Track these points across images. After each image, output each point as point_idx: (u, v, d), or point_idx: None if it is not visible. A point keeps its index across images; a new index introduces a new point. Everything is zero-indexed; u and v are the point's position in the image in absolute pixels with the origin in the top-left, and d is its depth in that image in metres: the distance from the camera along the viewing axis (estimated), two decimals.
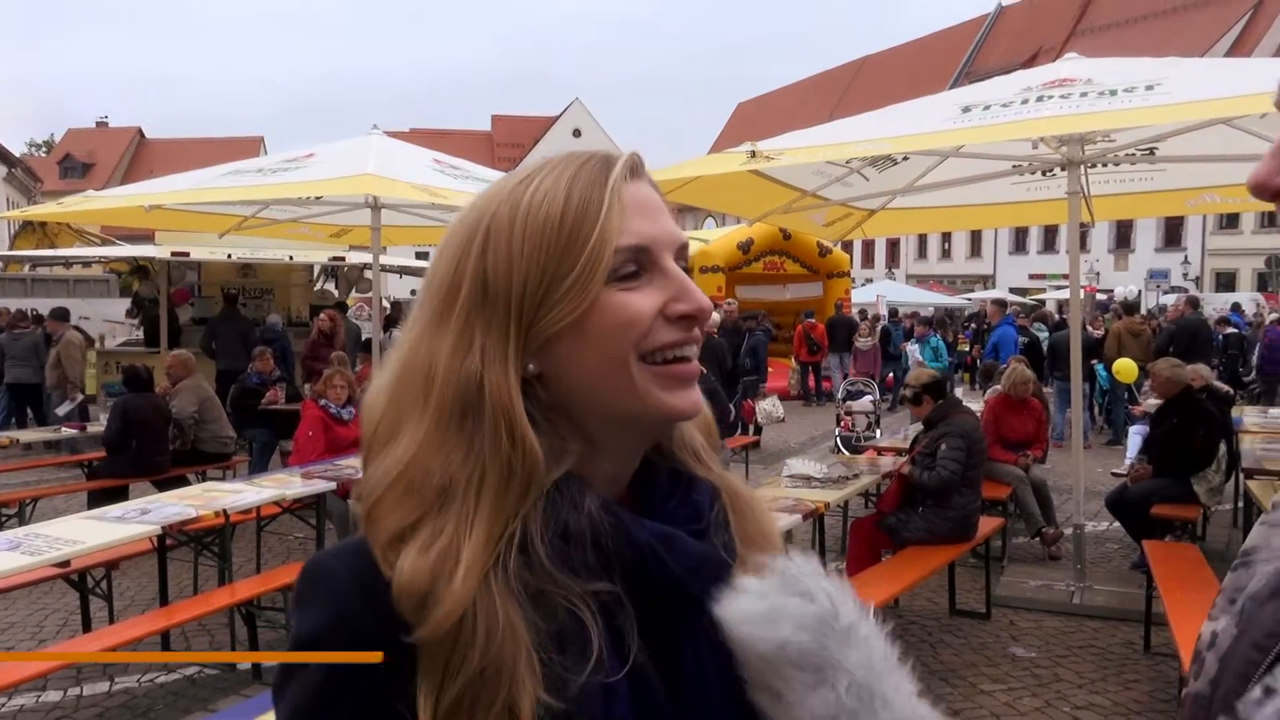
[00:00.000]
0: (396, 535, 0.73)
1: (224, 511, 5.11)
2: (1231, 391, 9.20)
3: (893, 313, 20.83)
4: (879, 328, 17.55)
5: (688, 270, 0.81)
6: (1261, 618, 0.60)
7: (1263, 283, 34.37)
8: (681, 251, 0.81)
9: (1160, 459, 6.65)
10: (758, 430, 12.08)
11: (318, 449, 6.59)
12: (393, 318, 15.66)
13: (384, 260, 8.68)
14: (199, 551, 5.65)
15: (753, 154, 4.64)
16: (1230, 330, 16.22)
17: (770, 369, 15.41)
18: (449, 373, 0.76)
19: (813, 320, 17.04)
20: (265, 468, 8.53)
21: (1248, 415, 8.93)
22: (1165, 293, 29.57)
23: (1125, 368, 10.87)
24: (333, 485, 5.85)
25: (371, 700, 0.73)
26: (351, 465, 6.12)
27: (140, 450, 7.46)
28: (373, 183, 6.40)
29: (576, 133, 66.60)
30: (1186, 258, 37.31)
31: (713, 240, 18.21)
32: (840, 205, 6.85)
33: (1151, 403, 7.67)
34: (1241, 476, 6.89)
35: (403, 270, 17.08)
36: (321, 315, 11.89)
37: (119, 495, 7.06)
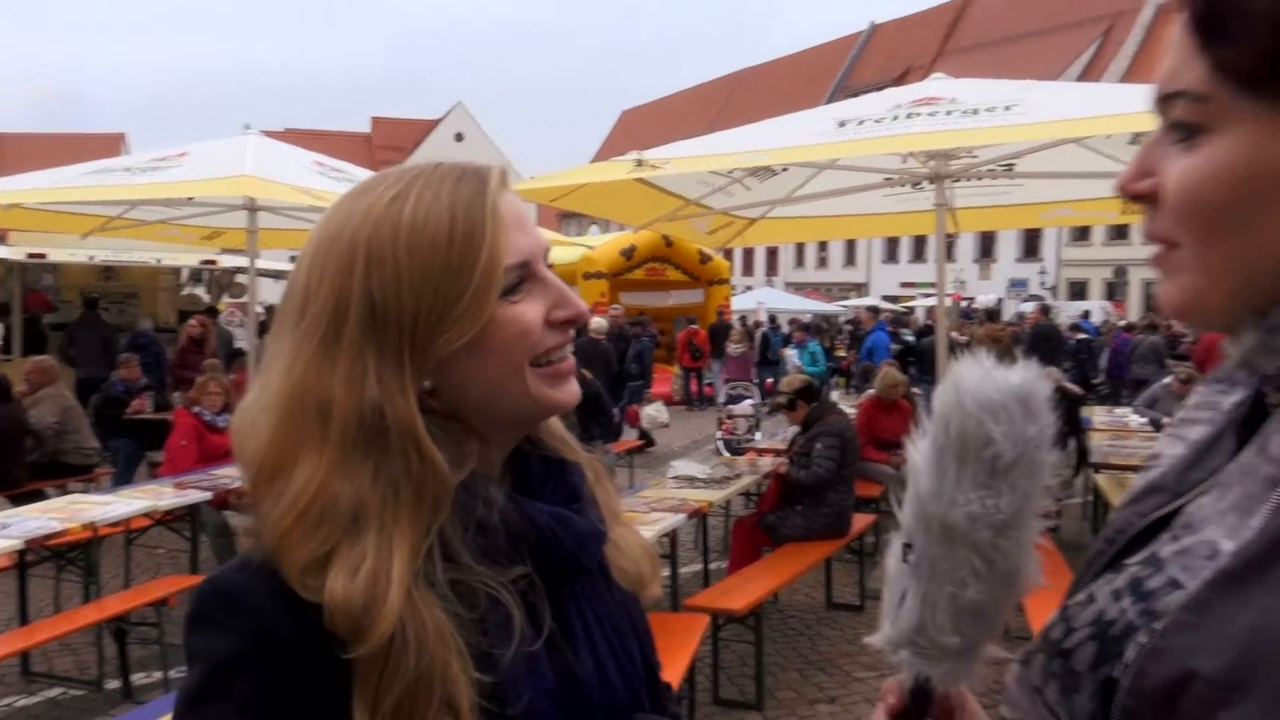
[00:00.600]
0: (313, 563, 0.74)
1: (92, 524, 4.89)
2: (1082, 392, 9.83)
3: (772, 319, 21.38)
4: (759, 334, 18.00)
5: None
6: (1115, 519, 0.75)
7: (1111, 291, 36.77)
8: (547, 256, 0.87)
9: None
10: (643, 435, 12.22)
11: (191, 458, 6.37)
12: (266, 324, 15.19)
13: (260, 264, 8.40)
14: (62, 567, 5.38)
15: (639, 163, 4.75)
16: (1081, 336, 17.31)
17: (654, 375, 15.63)
18: (347, 402, 0.76)
19: (695, 326, 17.36)
20: (131, 480, 8.16)
21: (1096, 415, 9.57)
22: (1024, 301, 31.26)
23: None
24: (208, 495, 5.67)
25: (313, 716, 0.74)
26: (227, 475, 5.93)
27: None
28: (251, 184, 6.23)
29: (459, 137, 65.91)
30: (1043, 268, 39.53)
31: (596, 247, 18.31)
32: (722, 214, 7.02)
33: None
34: (1091, 471, 7.38)
35: (279, 274, 16.57)
36: (191, 321, 11.45)
37: None
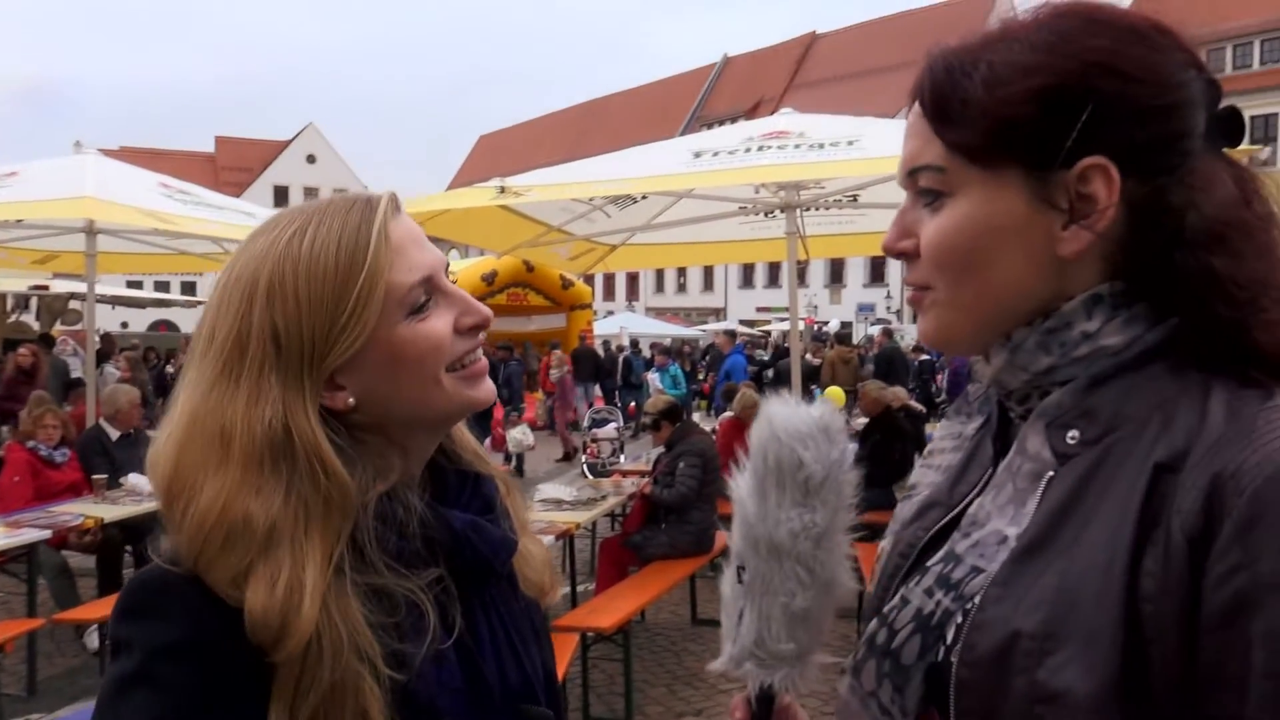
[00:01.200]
0: (233, 579, 0.79)
1: None
2: (924, 410, 10.42)
3: (633, 344, 21.65)
4: (621, 358, 18.20)
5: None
6: (904, 536, 0.90)
7: None
8: (447, 270, 0.95)
9: (868, 472, 7.42)
10: (508, 458, 12.18)
11: (26, 496, 5.97)
12: (104, 352, 14.35)
13: (98, 289, 7.97)
14: None
15: (502, 189, 4.82)
16: (924, 357, 18.28)
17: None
18: (250, 424, 0.82)
19: (558, 352, 17.41)
20: None
21: (938, 431, 10.15)
22: (872, 324, 32.73)
23: (834, 394, 12.06)
24: (46, 534, 5.34)
25: (237, 715, 0.78)
26: (67, 512, 5.61)
27: None
28: (93, 206, 5.94)
29: (311, 158, 63.98)
30: (889, 293, 41.51)
31: (457, 272, 18.15)
32: (584, 240, 7.16)
33: (859, 422, 8.55)
34: None
35: (116, 300, 15.71)
36: (21, 350, 10.73)
37: None
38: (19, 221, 7.11)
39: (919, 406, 9.96)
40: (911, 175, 0.82)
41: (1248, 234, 0.75)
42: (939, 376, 17.74)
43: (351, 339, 0.85)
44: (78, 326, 14.34)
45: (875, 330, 24.51)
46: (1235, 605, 0.64)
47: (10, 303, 15.13)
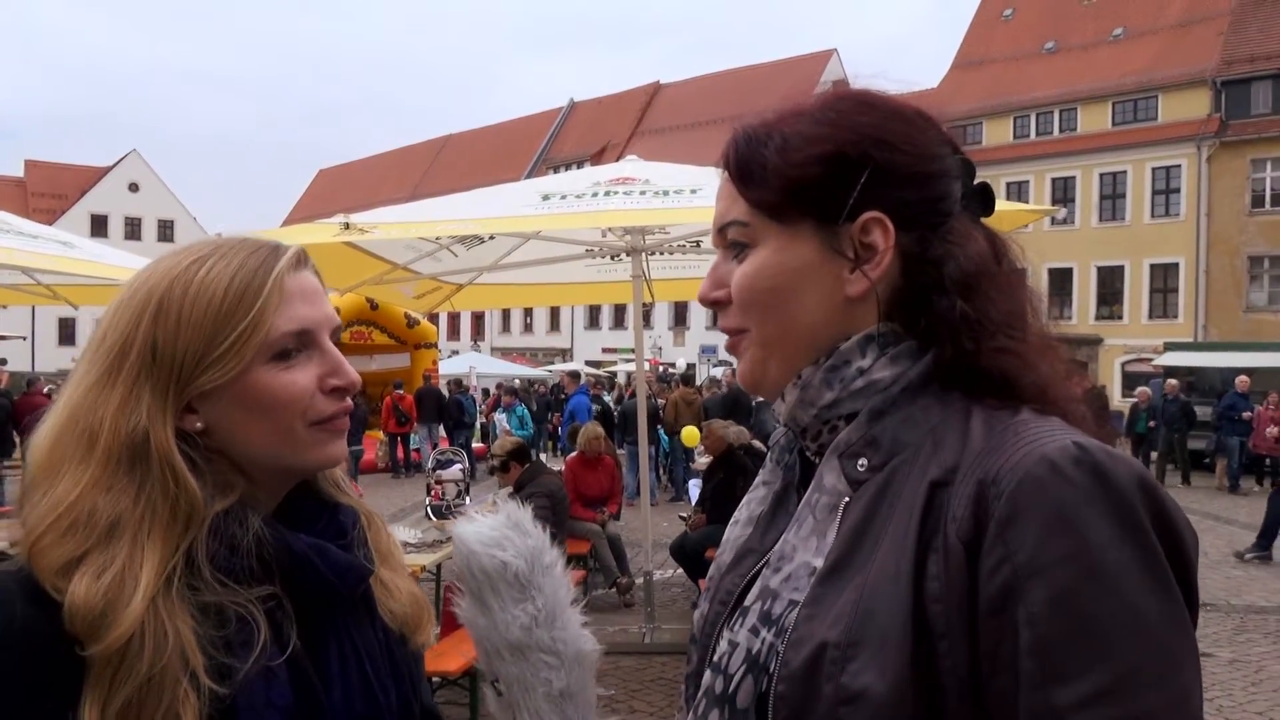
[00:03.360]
0: (63, 566, 0.82)
1: None
2: (765, 449, 10.77)
3: (458, 383, 21.12)
4: (450, 398, 17.87)
5: (340, 346, 1.00)
6: (723, 586, 0.97)
7: None
8: (336, 331, 0.99)
9: (712, 509, 7.65)
10: None
11: None
12: None
13: None
14: None
15: (346, 226, 4.74)
16: (760, 398, 18.91)
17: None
18: (116, 426, 0.87)
19: (401, 391, 17.02)
20: None
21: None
22: (714, 365, 33.57)
23: (689, 434, 12.30)
24: None
25: (40, 709, 0.80)
26: None
27: None
28: None
29: (134, 186, 60.40)
30: None
31: None
32: (430, 279, 7.10)
33: (704, 460, 8.76)
34: None
35: None
36: None
37: None
38: None
39: (761, 445, 10.27)
40: (721, 231, 0.93)
41: (994, 282, 0.89)
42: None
43: (223, 371, 0.89)
44: None
45: (718, 371, 25.19)
46: (1003, 594, 0.73)
47: None
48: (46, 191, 58.51)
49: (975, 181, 0.93)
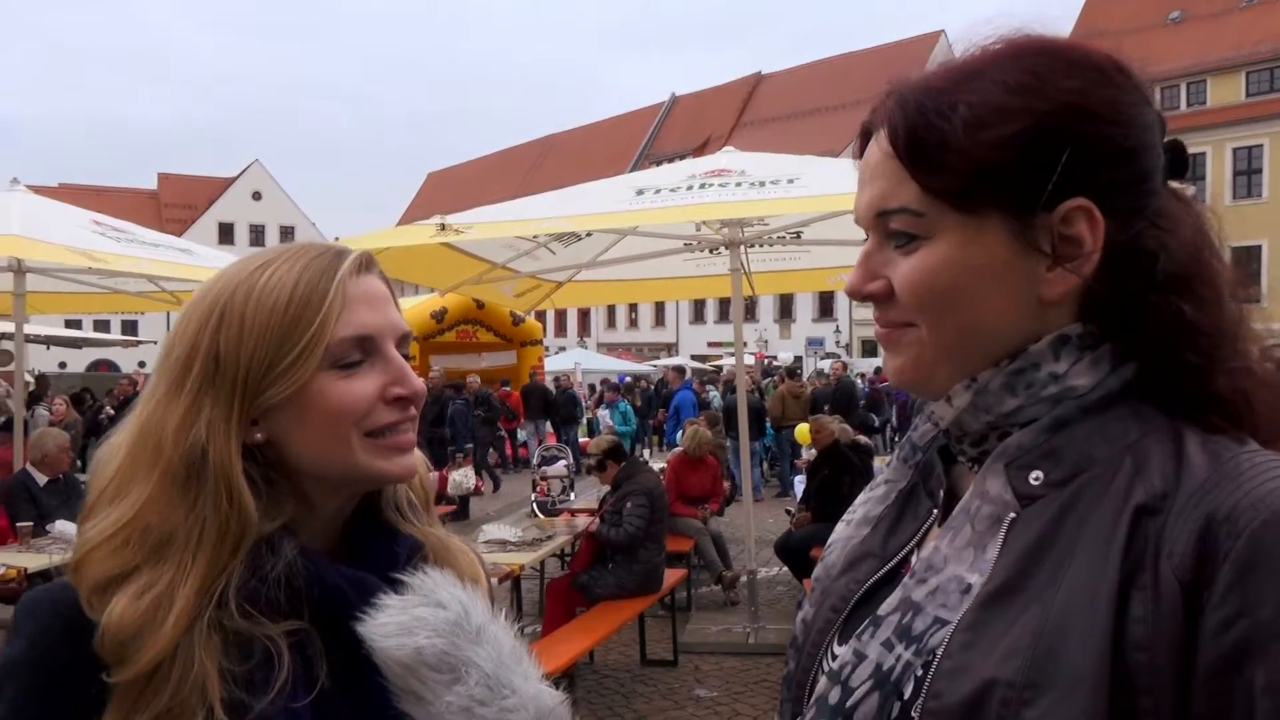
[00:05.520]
0: (105, 582, 0.80)
1: None
2: (873, 444, 10.49)
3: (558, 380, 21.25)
4: (563, 395, 18.03)
5: (408, 356, 0.94)
6: (835, 589, 0.86)
7: None
8: (403, 340, 0.93)
9: (817, 506, 7.47)
10: (450, 500, 12.00)
11: None
12: (37, 394, 13.93)
13: (30, 329, 7.73)
14: None
15: (442, 227, 4.78)
16: (885, 382, 18.48)
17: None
18: (177, 439, 0.84)
19: (508, 388, 17.27)
20: None
21: (886, 464, 10.22)
22: (822, 358, 33.03)
23: (803, 432, 12.10)
24: None
25: None
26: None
27: None
28: (17, 245, 5.76)
29: (257, 195, 63.27)
30: (838, 327, 42.01)
31: (406, 309, 17.96)
32: (529, 277, 7.14)
33: (809, 453, 8.59)
34: None
35: (51, 340, 15.29)
36: None
37: None
38: None
39: (866, 440, 10.01)
40: (881, 217, 0.79)
41: (1210, 280, 0.76)
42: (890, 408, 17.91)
43: (290, 382, 0.85)
44: (9, 368, 13.91)
45: (825, 364, 24.75)
46: (1236, 653, 0.62)
47: None
48: (177, 202, 61.80)
49: (1164, 139, 0.79)
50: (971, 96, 0.75)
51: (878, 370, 24.21)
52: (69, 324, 22.12)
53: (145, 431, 0.86)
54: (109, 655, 0.78)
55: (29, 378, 12.77)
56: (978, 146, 0.73)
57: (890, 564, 0.83)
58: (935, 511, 0.84)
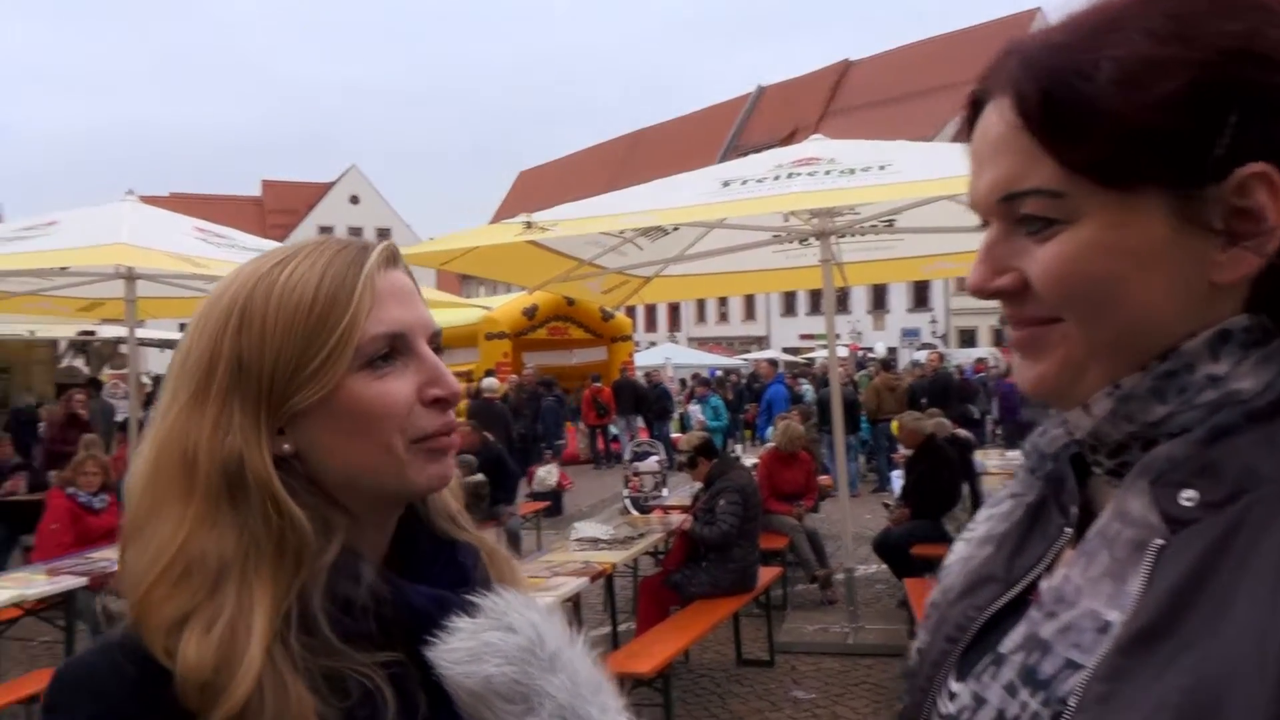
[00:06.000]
0: (176, 622, 0.72)
1: None
2: (973, 438, 10.14)
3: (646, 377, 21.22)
4: (656, 391, 18.03)
5: (439, 353, 0.86)
6: (951, 616, 0.75)
7: (998, 338, 38.32)
8: (435, 337, 0.86)
9: (915, 503, 7.26)
10: (541, 496, 12.10)
11: (65, 542, 6.00)
12: (153, 395, 14.56)
13: (142, 334, 8.07)
14: None
15: (528, 225, 4.77)
16: (986, 369, 17.99)
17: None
18: (211, 452, 0.76)
19: (599, 384, 17.35)
20: (3, 566, 7.65)
21: (990, 459, 9.87)
22: (917, 349, 32.29)
23: (897, 428, 11.83)
24: (83, 581, 5.33)
25: None
26: (106, 558, 5.61)
27: None
28: (126, 252, 6.00)
29: (354, 199, 65.12)
30: (934, 317, 41.00)
31: (497, 307, 18.23)
32: (616, 273, 7.10)
33: (906, 451, 8.36)
34: None
35: (164, 344, 15.97)
36: (72, 394, 10.92)
37: None
38: (63, 270, 7.22)
39: (967, 434, 9.70)
40: (1008, 201, 0.67)
41: None
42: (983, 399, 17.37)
43: (318, 386, 0.78)
44: (125, 370, 14.60)
45: (921, 355, 24.16)
46: None
47: (62, 347, 15.47)
48: (279, 208, 64.05)
49: None
50: (1116, 51, 0.62)
51: (980, 360, 23.54)
52: (183, 328, 23.10)
53: (171, 444, 0.79)
54: (194, 703, 0.70)
55: (145, 379, 13.36)
56: (1130, 110, 0.61)
57: (1015, 590, 0.72)
58: (1068, 531, 0.72)
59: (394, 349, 0.81)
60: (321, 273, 0.80)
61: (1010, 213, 0.67)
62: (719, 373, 22.92)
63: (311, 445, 0.80)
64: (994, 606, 0.73)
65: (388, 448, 0.80)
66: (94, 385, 13.67)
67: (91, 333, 13.42)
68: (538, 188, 67.02)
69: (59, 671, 0.76)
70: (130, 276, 7.09)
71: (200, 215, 8.25)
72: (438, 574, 0.85)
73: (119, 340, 13.80)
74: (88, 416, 10.65)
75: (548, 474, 12.31)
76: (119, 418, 12.93)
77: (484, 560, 0.91)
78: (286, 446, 0.79)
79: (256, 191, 67.84)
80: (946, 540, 7.05)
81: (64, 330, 13.26)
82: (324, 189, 66.29)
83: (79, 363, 16.52)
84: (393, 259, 0.85)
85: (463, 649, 0.77)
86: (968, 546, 0.81)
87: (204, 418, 0.78)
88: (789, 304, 47.16)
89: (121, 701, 0.71)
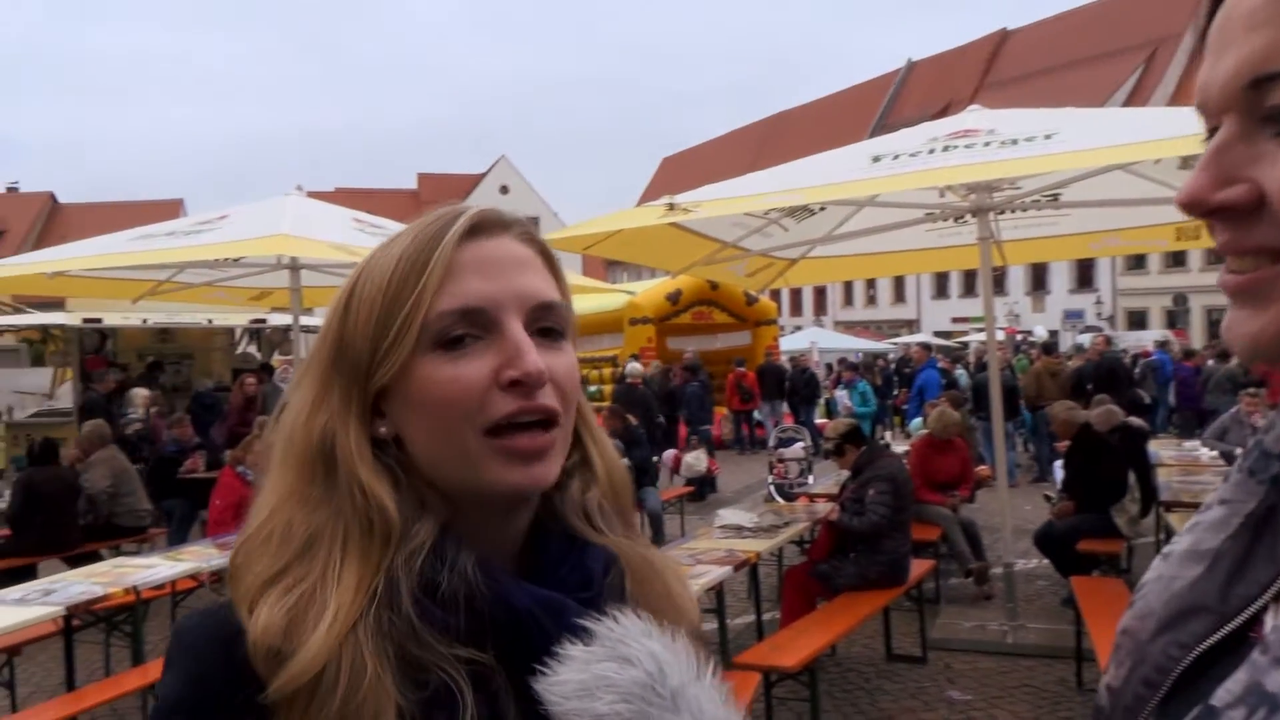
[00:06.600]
0: (259, 587, 0.72)
1: (135, 589, 4.88)
2: (1146, 426, 9.47)
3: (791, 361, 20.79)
4: (804, 376, 17.72)
5: (556, 331, 0.79)
6: (1151, 653, 0.62)
7: (1172, 320, 35.83)
8: (539, 311, 0.78)
9: (1078, 495, 6.82)
10: (690, 482, 12.06)
11: (231, 518, 6.37)
12: None
13: (308, 321, 8.52)
14: (109, 632, 5.38)
15: (670, 207, 4.69)
16: (1157, 351, 16.87)
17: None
18: (308, 429, 0.77)
19: (743, 369, 17.20)
20: (185, 539, 8.21)
21: (1164, 450, 9.19)
22: (1081, 332, 30.55)
23: None
24: None
25: None
26: None
27: (46, 526, 7.12)
28: (287, 243, 6.28)
29: (504, 189, 66.92)
30: (1099, 298, 38.70)
31: (640, 292, 18.31)
32: (760, 255, 6.94)
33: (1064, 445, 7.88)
34: (1161, 509, 7.07)
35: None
36: (245, 379, 11.62)
37: (26, 574, 6.71)
38: (235, 261, 7.66)
39: (1140, 423, 9.05)
40: (1257, 88, 0.52)
41: None
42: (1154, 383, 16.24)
43: (392, 364, 0.75)
44: (289, 357, 15.44)
45: (1085, 339, 22.82)
46: None
47: (238, 334, 16.50)
48: (435, 200, 65.91)
49: None
50: None
51: (1161, 343, 21.98)
52: None
53: (285, 420, 0.80)
54: (263, 668, 0.69)
55: None
56: None
57: (1231, 625, 0.58)
58: None
59: (474, 326, 0.75)
60: (404, 248, 0.77)
61: (1255, 105, 0.52)
62: (861, 356, 22.31)
63: (401, 430, 0.77)
64: (1204, 645, 0.59)
65: (457, 439, 0.74)
66: (266, 370, 14.50)
67: (263, 321, 14.23)
68: (681, 173, 67.00)
69: (174, 628, 0.78)
70: (294, 267, 7.45)
71: (361, 208, 8.58)
72: (563, 576, 0.78)
73: (287, 328, 14.60)
74: (260, 399, 11.29)
75: (696, 460, 12.27)
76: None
77: (624, 570, 0.81)
78: (383, 429, 0.77)
79: (413, 184, 70.66)
80: (1115, 535, 6.59)
81: (239, 318, 14.11)
82: (476, 180, 68.41)
83: (253, 349, 17.60)
84: (482, 228, 0.78)
85: (573, 682, 0.69)
86: (1168, 564, 0.66)
87: (309, 396, 0.79)
88: (940, 285, 45.48)
89: (212, 664, 0.71)
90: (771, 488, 11.62)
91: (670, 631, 0.73)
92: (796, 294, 51.52)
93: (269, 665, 0.68)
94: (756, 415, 17.57)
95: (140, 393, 12.29)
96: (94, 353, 14.22)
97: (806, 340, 27.16)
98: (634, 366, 13.72)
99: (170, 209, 54.35)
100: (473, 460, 0.74)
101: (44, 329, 15.12)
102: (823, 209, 6.22)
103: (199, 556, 5.66)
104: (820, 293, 51.57)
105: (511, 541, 0.80)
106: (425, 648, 0.70)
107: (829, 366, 23.64)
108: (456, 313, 0.74)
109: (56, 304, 14.86)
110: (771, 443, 12.57)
